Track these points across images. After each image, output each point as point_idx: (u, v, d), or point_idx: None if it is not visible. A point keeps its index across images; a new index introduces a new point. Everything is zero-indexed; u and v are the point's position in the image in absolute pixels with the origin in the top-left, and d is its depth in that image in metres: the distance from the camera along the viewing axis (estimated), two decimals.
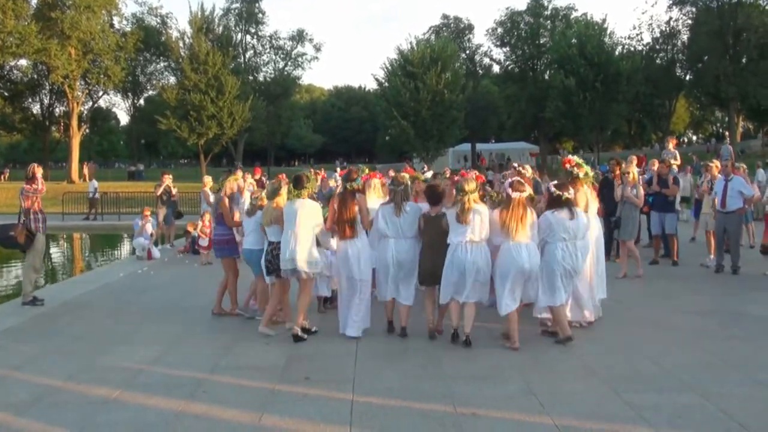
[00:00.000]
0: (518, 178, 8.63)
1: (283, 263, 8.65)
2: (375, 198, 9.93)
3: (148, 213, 18.49)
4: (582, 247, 8.50)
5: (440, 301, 8.51)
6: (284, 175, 20.19)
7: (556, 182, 8.66)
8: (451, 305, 8.35)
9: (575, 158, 9.87)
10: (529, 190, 8.47)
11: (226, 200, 10.46)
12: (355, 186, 8.86)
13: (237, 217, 10.55)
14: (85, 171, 55.59)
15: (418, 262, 8.62)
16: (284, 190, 9.31)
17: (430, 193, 8.70)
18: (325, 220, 8.86)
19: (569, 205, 8.39)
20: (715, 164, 15.30)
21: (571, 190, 8.60)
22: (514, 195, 8.12)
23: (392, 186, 8.89)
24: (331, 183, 18.91)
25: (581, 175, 9.23)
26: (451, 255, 8.20)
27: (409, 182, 9.02)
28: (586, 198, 9.28)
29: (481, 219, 8.12)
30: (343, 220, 8.74)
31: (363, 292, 8.78)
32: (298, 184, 8.87)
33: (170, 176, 20.82)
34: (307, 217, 8.72)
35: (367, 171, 10.40)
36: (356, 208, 8.74)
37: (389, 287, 8.83)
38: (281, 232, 8.80)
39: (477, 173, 17.15)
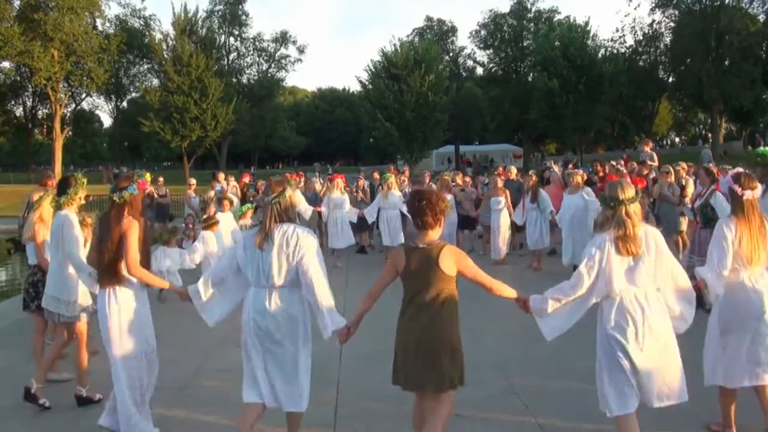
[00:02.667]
0: (742, 170, 5.59)
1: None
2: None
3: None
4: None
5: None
6: (296, 174, 20.10)
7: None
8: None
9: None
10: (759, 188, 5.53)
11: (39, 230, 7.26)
12: (125, 198, 5.62)
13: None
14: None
15: (396, 344, 4.85)
16: (48, 200, 7.07)
17: (414, 205, 4.77)
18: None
19: None
20: (683, 166, 15.38)
21: None
22: (746, 195, 5.31)
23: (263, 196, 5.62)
24: (317, 186, 18.81)
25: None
26: (606, 325, 4.84)
27: (292, 186, 5.28)
28: None
29: (658, 249, 4.76)
30: (100, 255, 5.60)
31: (119, 378, 5.51)
32: (61, 188, 6.68)
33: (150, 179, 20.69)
34: (64, 238, 6.44)
35: (148, 176, 6.60)
36: (124, 237, 5.53)
37: (257, 381, 5.13)
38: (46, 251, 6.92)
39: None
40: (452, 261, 4.64)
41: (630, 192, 4.75)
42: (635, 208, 4.72)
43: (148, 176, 6.50)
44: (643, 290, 4.71)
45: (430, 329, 4.62)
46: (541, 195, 14.85)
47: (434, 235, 4.72)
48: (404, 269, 4.72)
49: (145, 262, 5.64)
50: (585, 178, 16.78)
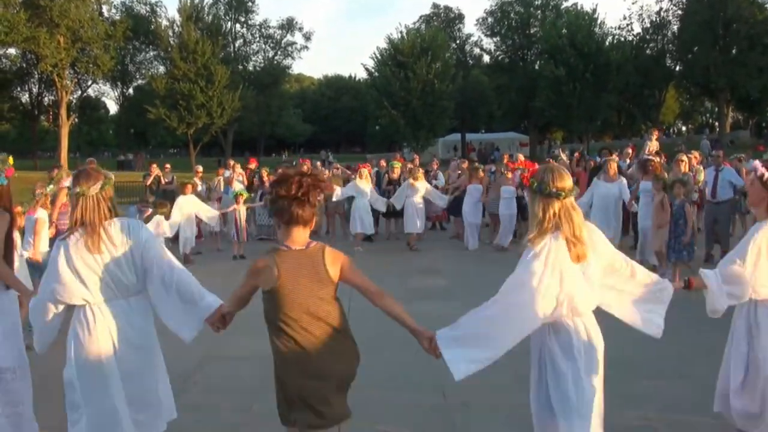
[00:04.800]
0: None
1: None
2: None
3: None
4: None
5: None
6: (308, 161, 20.11)
7: None
8: None
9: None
10: None
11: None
12: None
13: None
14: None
15: (276, 378, 3.94)
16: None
17: (277, 193, 3.72)
18: None
19: None
20: (694, 155, 15.36)
21: None
22: None
23: (74, 189, 4.32)
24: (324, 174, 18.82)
25: None
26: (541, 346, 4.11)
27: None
28: None
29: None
30: None
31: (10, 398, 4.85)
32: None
33: (159, 166, 20.77)
34: None
35: (11, 161, 5.51)
36: None
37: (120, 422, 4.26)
38: None
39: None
40: (338, 266, 3.81)
41: (569, 181, 3.91)
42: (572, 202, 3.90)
43: (11, 160, 5.50)
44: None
45: (329, 349, 3.79)
46: None
47: (307, 234, 3.83)
48: (277, 280, 3.68)
49: (9, 260, 4.97)
50: (593, 165, 16.83)
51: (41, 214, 9.10)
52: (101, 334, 4.21)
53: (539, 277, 3.69)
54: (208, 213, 15.57)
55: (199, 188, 18.90)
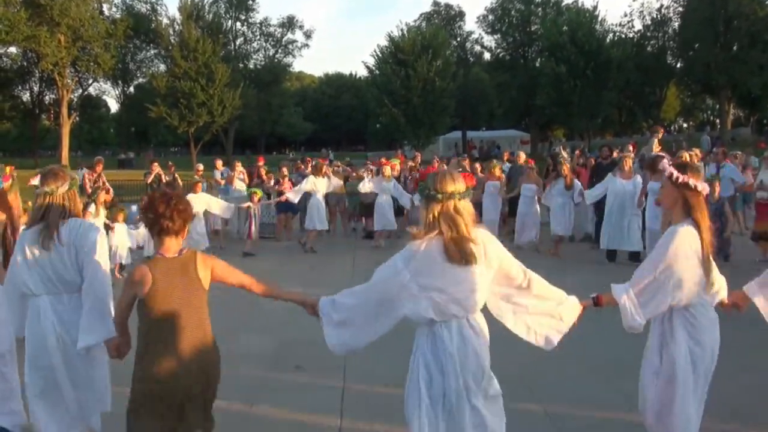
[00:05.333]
0: None
1: None
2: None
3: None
4: None
5: None
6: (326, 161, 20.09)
7: None
8: None
9: None
10: None
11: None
12: None
13: None
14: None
15: (136, 370, 4.02)
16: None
17: (149, 213, 3.99)
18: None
19: None
20: (696, 152, 15.28)
21: None
22: None
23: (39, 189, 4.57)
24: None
25: None
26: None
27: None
28: None
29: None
30: None
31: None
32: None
33: (160, 164, 20.78)
34: None
35: (8, 170, 5.73)
36: None
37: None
38: None
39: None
40: (209, 269, 4.05)
41: (461, 185, 3.78)
42: (466, 205, 3.79)
43: (8, 169, 5.76)
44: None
45: (198, 358, 3.97)
46: (576, 183, 14.72)
47: (180, 242, 4.06)
48: (151, 286, 3.87)
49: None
50: (593, 162, 16.81)
51: None
52: (44, 324, 4.43)
53: (398, 272, 3.74)
54: (220, 205, 15.37)
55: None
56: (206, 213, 15.28)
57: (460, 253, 3.67)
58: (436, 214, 3.72)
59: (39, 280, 4.42)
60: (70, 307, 4.47)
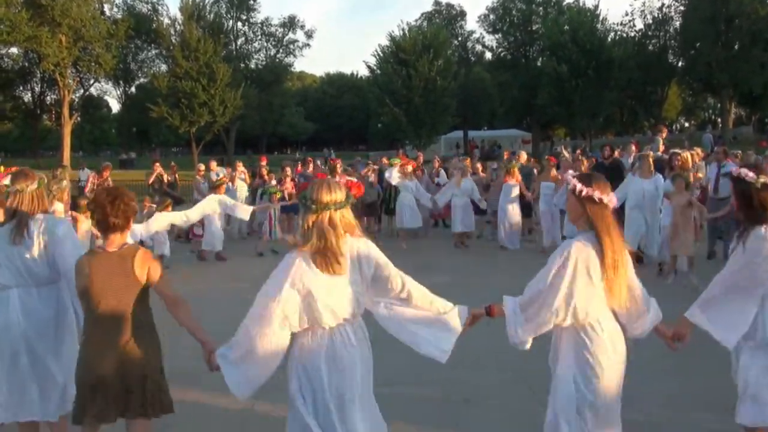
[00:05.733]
0: None
1: None
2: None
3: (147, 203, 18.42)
4: None
5: None
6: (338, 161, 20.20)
7: None
8: None
9: None
10: None
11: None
12: None
13: None
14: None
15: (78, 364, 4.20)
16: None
17: (104, 205, 4.14)
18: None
19: None
20: (697, 151, 15.26)
21: None
22: None
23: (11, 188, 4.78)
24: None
25: None
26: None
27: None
28: None
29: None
30: None
31: None
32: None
33: (163, 164, 20.81)
34: None
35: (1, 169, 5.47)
36: None
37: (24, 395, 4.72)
38: None
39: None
40: (146, 269, 4.16)
41: (339, 195, 3.80)
42: (345, 215, 3.82)
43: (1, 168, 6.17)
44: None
45: (127, 354, 4.11)
46: None
47: (124, 238, 4.23)
48: (88, 278, 4.06)
49: None
50: (594, 162, 16.76)
51: (58, 207, 9.38)
52: (12, 314, 4.64)
53: (280, 288, 3.75)
54: (245, 209, 15.20)
55: (202, 186, 18.88)
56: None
57: (326, 264, 3.72)
58: (310, 224, 3.76)
59: (9, 273, 4.64)
60: (38, 299, 4.70)
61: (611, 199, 3.97)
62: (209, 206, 13.71)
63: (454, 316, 4.15)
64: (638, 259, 13.04)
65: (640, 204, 12.36)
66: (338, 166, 17.47)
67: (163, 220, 12.41)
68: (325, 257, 3.71)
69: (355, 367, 3.88)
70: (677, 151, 13.70)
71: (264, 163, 20.73)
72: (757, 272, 4.19)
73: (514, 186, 15.89)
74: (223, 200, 14.15)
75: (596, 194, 3.91)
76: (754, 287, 4.21)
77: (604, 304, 3.95)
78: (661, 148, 17.50)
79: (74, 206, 10.89)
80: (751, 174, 4.25)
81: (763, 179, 4.19)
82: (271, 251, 15.14)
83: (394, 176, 16.36)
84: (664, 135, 19.22)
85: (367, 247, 3.90)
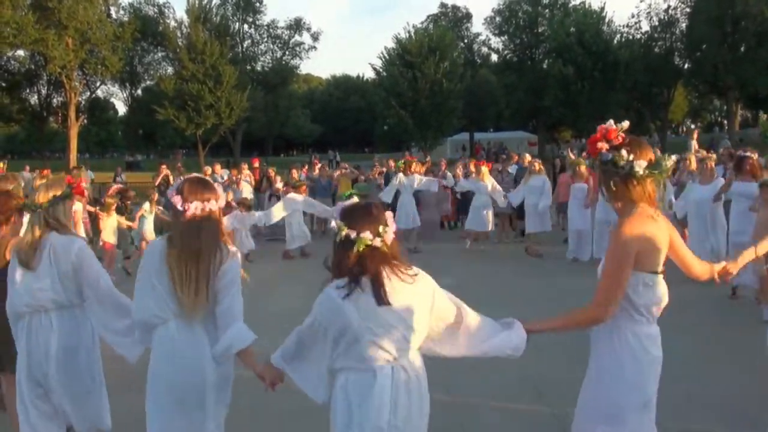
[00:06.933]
0: None
1: None
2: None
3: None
4: None
5: None
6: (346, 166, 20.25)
7: None
8: None
9: None
10: None
11: None
12: None
13: None
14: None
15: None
16: None
17: None
18: None
19: None
20: (703, 154, 15.10)
21: None
22: None
23: None
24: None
25: None
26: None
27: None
28: None
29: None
30: None
31: None
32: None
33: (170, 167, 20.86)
34: None
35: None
36: None
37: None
38: None
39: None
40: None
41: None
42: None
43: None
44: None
45: None
46: None
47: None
48: None
49: None
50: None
51: (76, 205, 9.49)
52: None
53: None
54: (326, 209, 15.24)
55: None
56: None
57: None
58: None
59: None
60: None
61: None
62: (290, 206, 14.42)
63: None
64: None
65: (702, 214, 11.14)
66: (414, 163, 17.37)
67: (278, 212, 14.04)
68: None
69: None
70: (747, 153, 11.44)
71: (256, 165, 20.79)
72: None
73: (583, 188, 14.24)
74: (307, 200, 14.95)
75: None
76: None
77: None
78: (695, 148, 17.35)
79: None
80: None
81: None
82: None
83: (401, 179, 16.27)
84: (696, 136, 19.07)
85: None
